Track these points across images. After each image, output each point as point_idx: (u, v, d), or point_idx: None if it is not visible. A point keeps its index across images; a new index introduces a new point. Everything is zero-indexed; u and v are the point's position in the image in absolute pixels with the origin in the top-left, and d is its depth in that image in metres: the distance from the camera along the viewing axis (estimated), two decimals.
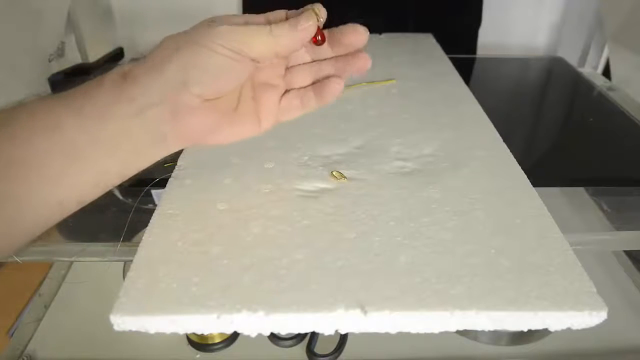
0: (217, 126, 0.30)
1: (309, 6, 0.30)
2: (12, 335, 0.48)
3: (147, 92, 0.27)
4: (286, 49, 0.29)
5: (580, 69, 0.75)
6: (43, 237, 0.28)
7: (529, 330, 0.26)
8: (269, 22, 0.30)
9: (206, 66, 0.27)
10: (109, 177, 0.28)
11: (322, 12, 0.30)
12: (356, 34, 0.32)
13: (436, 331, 0.25)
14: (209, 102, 0.29)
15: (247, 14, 0.30)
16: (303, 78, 0.33)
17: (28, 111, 0.26)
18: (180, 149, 0.32)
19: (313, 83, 0.33)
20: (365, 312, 0.25)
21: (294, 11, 0.31)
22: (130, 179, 0.30)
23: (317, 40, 0.31)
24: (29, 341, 0.46)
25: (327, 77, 0.33)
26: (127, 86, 0.27)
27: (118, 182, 0.28)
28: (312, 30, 0.29)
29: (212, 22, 0.28)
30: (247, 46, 0.28)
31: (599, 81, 0.70)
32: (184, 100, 0.28)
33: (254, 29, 0.28)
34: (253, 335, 0.25)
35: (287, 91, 0.33)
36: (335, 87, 0.32)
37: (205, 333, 0.25)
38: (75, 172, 0.26)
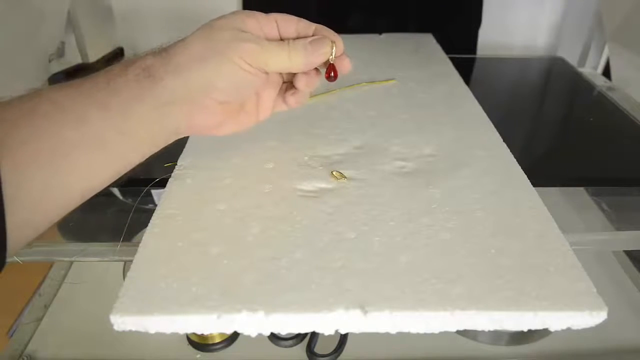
0: (225, 122, 0.33)
1: (327, 34, 0.33)
2: (12, 335, 0.48)
3: (171, 93, 0.29)
4: (298, 70, 0.33)
5: (580, 69, 0.75)
6: (43, 237, 0.29)
7: (529, 330, 0.26)
8: (278, 27, 0.32)
9: (229, 78, 0.30)
10: (127, 165, 0.30)
11: (338, 45, 0.33)
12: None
13: (436, 331, 0.25)
14: (221, 104, 0.31)
15: (259, 15, 0.32)
16: (290, 75, 0.36)
17: (52, 103, 0.27)
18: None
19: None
20: (365, 312, 0.25)
21: (304, 22, 0.33)
22: (130, 179, 0.30)
23: (330, 76, 0.34)
24: (29, 341, 0.46)
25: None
26: (152, 85, 0.28)
27: (130, 168, 0.30)
28: (324, 59, 0.33)
29: (233, 28, 0.30)
30: (267, 64, 0.31)
31: (599, 81, 0.70)
32: (203, 102, 0.30)
33: (275, 50, 0.31)
34: (253, 335, 0.25)
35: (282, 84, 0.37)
36: (303, 98, 0.36)
37: (205, 333, 0.25)
38: (100, 163, 0.28)
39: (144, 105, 0.28)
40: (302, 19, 0.33)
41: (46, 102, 0.26)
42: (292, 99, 0.35)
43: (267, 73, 0.32)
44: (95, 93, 0.28)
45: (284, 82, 0.36)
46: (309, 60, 0.32)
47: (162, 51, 0.30)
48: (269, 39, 0.31)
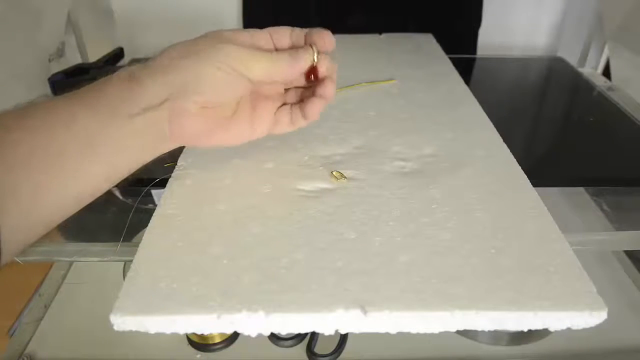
0: (211, 131, 0.32)
1: (318, 35, 0.33)
2: (12, 335, 0.48)
3: (149, 95, 0.29)
4: (282, 77, 0.32)
5: (580, 69, 0.75)
6: (43, 237, 0.29)
7: (529, 330, 0.26)
8: (272, 40, 0.33)
9: (206, 78, 0.30)
10: (118, 171, 0.30)
11: (327, 42, 0.33)
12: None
13: (436, 331, 0.25)
14: (205, 110, 0.31)
15: (252, 30, 0.33)
16: (293, 97, 0.36)
17: (45, 108, 0.28)
18: (180, 146, 0.34)
19: (300, 101, 0.36)
20: (365, 312, 0.25)
21: (298, 30, 0.33)
22: (131, 178, 0.30)
23: (311, 78, 0.34)
24: (29, 341, 0.46)
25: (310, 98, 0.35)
26: (132, 86, 0.29)
27: (125, 175, 0.30)
28: (307, 65, 0.33)
29: (219, 37, 0.31)
30: (248, 69, 0.31)
31: (599, 81, 0.70)
32: (182, 105, 0.30)
33: (257, 55, 0.31)
34: (253, 335, 0.25)
35: (281, 105, 0.36)
36: (315, 106, 0.34)
37: (205, 333, 0.25)
38: (89, 163, 0.28)
39: (126, 108, 0.29)
40: (295, 28, 0.34)
41: (39, 108, 0.27)
42: (312, 107, 0.34)
43: (250, 81, 0.31)
44: (84, 97, 0.29)
45: (283, 104, 0.36)
46: (292, 67, 0.32)
47: (149, 60, 0.31)
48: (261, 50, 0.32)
